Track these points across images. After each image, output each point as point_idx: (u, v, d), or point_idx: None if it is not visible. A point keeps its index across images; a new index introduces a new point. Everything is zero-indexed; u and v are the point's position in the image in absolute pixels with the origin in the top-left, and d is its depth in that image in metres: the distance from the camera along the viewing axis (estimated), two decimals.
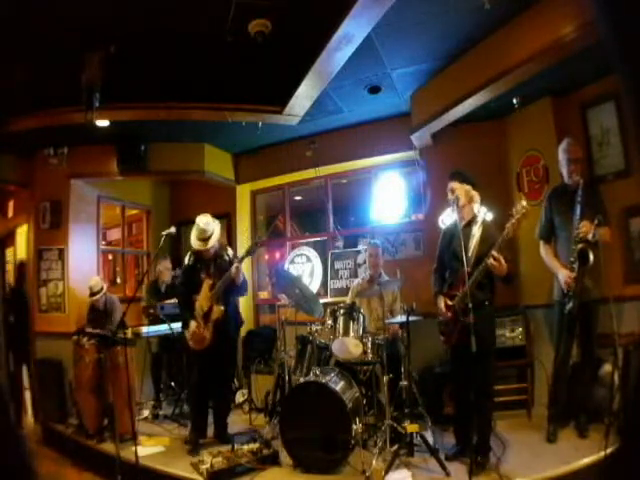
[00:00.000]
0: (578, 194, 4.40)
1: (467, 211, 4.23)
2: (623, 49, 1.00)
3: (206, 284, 4.98)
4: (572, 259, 4.34)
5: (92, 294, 5.97)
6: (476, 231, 4.10)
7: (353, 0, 3.71)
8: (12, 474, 1.44)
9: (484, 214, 4.25)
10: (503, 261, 3.77)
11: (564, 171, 4.65)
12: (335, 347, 4.81)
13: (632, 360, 4.29)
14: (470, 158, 5.89)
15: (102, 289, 5.99)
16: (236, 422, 5.80)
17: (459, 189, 4.21)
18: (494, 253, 3.77)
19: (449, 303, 4.17)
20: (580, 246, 4.24)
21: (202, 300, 4.96)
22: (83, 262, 7.00)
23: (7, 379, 7.31)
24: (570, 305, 4.33)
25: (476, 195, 4.26)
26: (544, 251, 4.73)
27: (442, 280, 4.39)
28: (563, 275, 4.41)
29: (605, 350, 4.64)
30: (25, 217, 7.34)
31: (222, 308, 4.91)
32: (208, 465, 4.06)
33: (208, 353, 4.94)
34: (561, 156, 4.66)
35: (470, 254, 4.00)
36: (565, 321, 4.46)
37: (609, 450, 3.33)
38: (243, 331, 7.50)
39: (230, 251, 5.26)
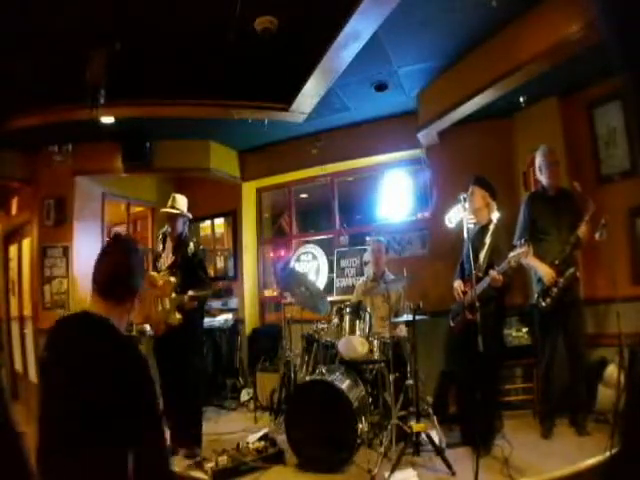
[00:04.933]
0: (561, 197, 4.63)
1: (481, 215, 4.52)
2: (625, 50, 0.99)
3: (169, 282, 4.56)
4: (557, 262, 4.46)
5: None
6: (488, 239, 4.35)
7: None
8: (9, 471, 1.43)
9: (497, 220, 4.50)
10: (501, 279, 4.10)
11: (543, 175, 4.73)
12: (341, 346, 4.79)
13: (636, 361, 4.29)
14: (476, 156, 5.90)
15: None
16: (241, 420, 5.81)
17: (477, 193, 4.50)
18: (494, 274, 4.09)
19: (464, 289, 4.46)
20: (571, 270, 4.41)
21: (163, 297, 4.50)
22: (87, 259, 6.96)
23: (8, 378, 7.37)
24: (547, 301, 4.48)
25: (492, 203, 4.54)
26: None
27: (464, 272, 4.63)
28: (545, 272, 4.50)
29: (610, 350, 4.65)
30: (29, 214, 7.34)
31: (179, 317, 4.50)
32: (213, 464, 4.05)
33: (167, 354, 4.66)
34: (539, 161, 4.75)
35: (482, 260, 4.30)
36: (546, 320, 4.60)
37: (614, 451, 3.32)
38: (248, 329, 7.53)
39: (201, 253, 4.98)
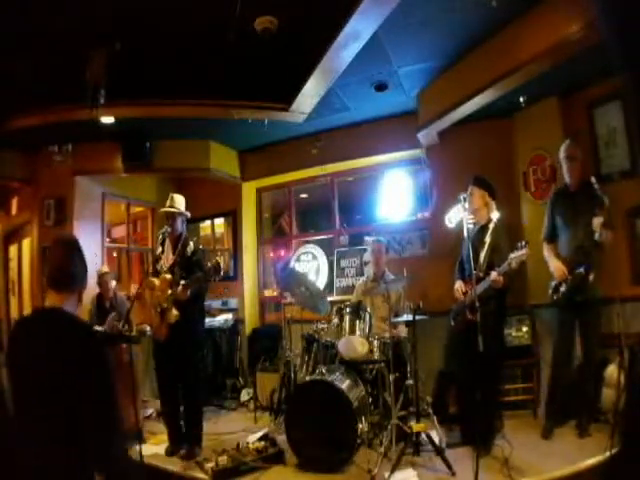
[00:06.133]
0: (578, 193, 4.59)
1: (480, 215, 4.53)
2: (625, 50, 0.99)
3: (164, 279, 4.60)
4: (568, 259, 4.50)
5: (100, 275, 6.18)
6: (487, 238, 4.35)
7: None
8: (8, 471, 1.44)
9: (496, 219, 4.49)
10: (502, 280, 4.09)
11: (564, 171, 4.75)
12: (341, 345, 4.79)
13: (636, 361, 4.29)
14: (476, 157, 5.90)
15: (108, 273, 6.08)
16: (241, 420, 5.82)
17: (476, 193, 4.50)
18: (495, 275, 4.09)
19: (464, 290, 4.46)
20: (580, 270, 4.39)
21: (161, 296, 4.56)
22: (87, 259, 6.95)
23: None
24: (557, 296, 4.55)
25: (491, 203, 4.53)
26: (546, 251, 4.82)
27: (463, 272, 4.64)
28: (555, 268, 4.57)
29: (610, 350, 4.64)
30: (29, 214, 7.34)
31: (176, 313, 4.49)
32: (213, 464, 4.05)
33: (165, 355, 4.70)
34: (560, 156, 4.77)
35: (482, 260, 4.30)
36: (559, 317, 4.66)
37: (614, 451, 3.32)
38: (248, 329, 7.53)
39: (200, 253, 4.93)
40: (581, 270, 4.36)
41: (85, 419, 2.04)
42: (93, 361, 2.16)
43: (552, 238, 4.81)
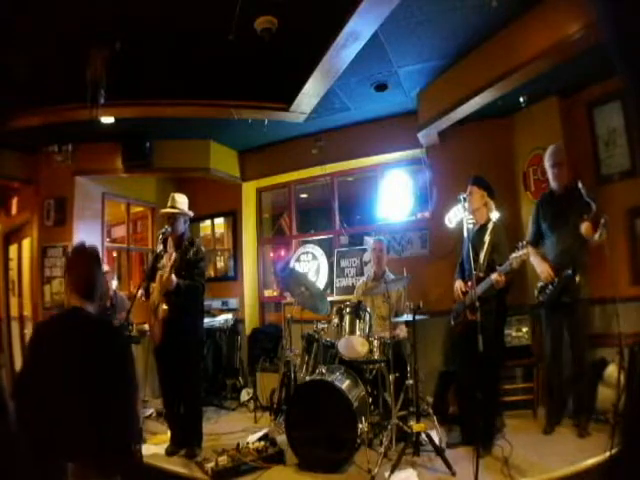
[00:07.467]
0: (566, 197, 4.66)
1: (480, 215, 4.54)
2: (625, 51, 0.99)
3: (159, 275, 4.60)
4: (554, 262, 4.58)
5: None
6: (487, 237, 4.36)
7: None
8: (6, 471, 1.44)
9: (496, 219, 4.55)
10: (503, 280, 4.11)
11: (549, 177, 4.83)
12: (341, 345, 4.79)
13: (636, 361, 4.30)
14: (477, 156, 5.90)
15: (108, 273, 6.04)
16: (241, 420, 5.81)
17: (476, 193, 4.51)
18: (496, 275, 4.11)
19: (464, 289, 4.47)
20: (567, 272, 4.45)
21: (155, 293, 4.63)
22: None
23: (8, 378, 7.35)
24: (545, 295, 4.64)
25: (491, 202, 4.56)
26: (531, 254, 4.79)
27: (464, 272, 4.65)
28: (542, 270, 4.65)
29: (610, 350, 4.65)
30: (29, 214, 7.34)
31: (165, 307, 4.45)
32: (213, 463, 4.04)
33: (163, 355, 4.72)
34: (545, 163, 4.85)
35: (482, 260, 4.31)
36: (548, 317, 4.73)
37: (614, 451, 3.32)
38: (248, 329, 7.52)
39: (201, 251, 4.83)
40: (569, 272, 4.42)
41: (112, 395, 2.47)
42: (118, 350, 2.63)
43: (536, 242, 4.86)
